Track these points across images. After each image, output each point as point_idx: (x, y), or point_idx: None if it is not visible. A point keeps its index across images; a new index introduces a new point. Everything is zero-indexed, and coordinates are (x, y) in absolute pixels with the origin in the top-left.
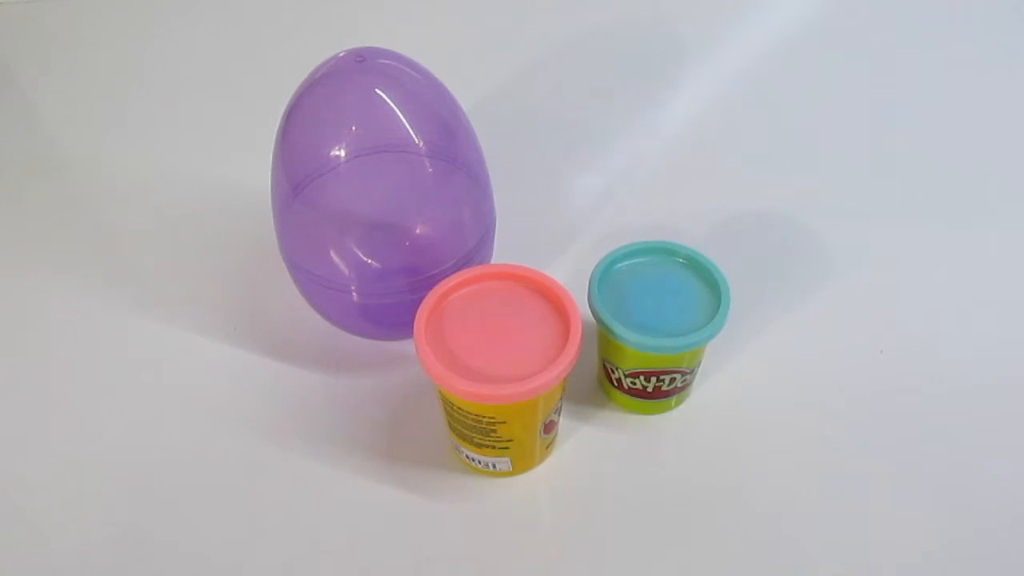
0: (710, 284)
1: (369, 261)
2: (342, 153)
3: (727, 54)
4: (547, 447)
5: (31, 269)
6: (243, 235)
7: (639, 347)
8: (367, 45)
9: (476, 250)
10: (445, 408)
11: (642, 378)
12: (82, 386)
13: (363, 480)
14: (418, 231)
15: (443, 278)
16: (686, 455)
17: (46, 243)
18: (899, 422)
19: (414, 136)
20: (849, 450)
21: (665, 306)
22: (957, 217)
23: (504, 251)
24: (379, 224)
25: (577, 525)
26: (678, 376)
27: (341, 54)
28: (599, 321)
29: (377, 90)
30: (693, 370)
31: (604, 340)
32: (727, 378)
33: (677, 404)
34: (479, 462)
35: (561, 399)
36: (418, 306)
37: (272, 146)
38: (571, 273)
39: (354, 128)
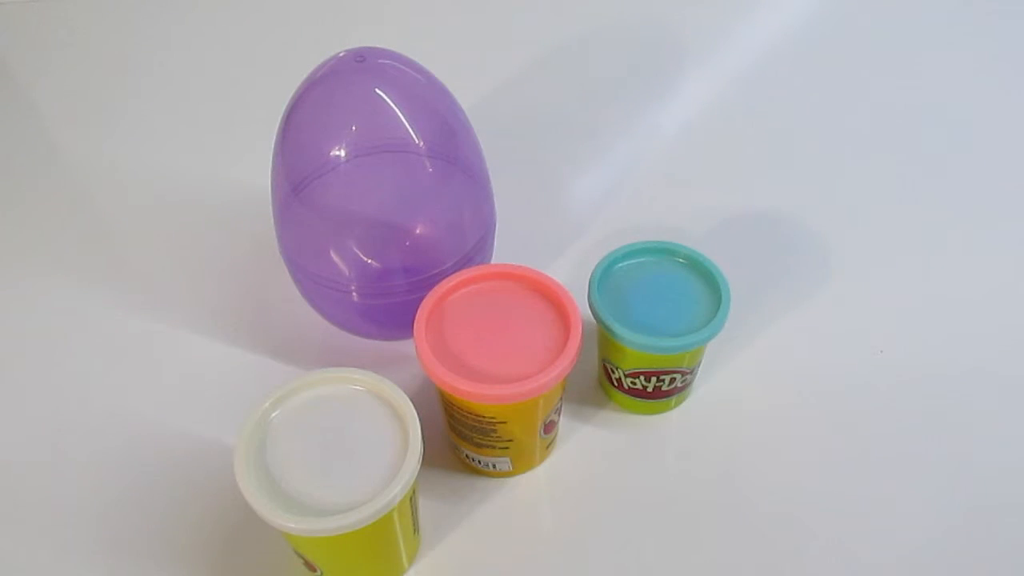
0: (710, 284)
1: (369, 261)
2: (342, 153)
3: (727, 54)
4: (547, 447)
5: (30, 268)
6: (243, 235)
7: (639, 347)
8: (367, 45)
9: (476, 250)
10: (445, 408)
11: (642, 378)
12: (82, 386)
13: None
14: (418, 231)
15: (443, 278)
16: (686, 455)
17: (45, 243)
18: (899, 422)
19: (414, 136)
20: (849, 450)
21: (665, 306)
22: (958, 217)
23: (504, 251)
24: (379, 224)
25: (577, 525)
26: (678, 376)
27: (341, 54)
28: (599, 321)
29: (377, 90)
30: (693, 370)
31: (604, 340)
32: (727, 378)
33: (677, 404)
34: (479, 462)
35: (561, 399)
36: (418, 306)
37: (272, 146)
38: (571, 273)
39: (354, 128)
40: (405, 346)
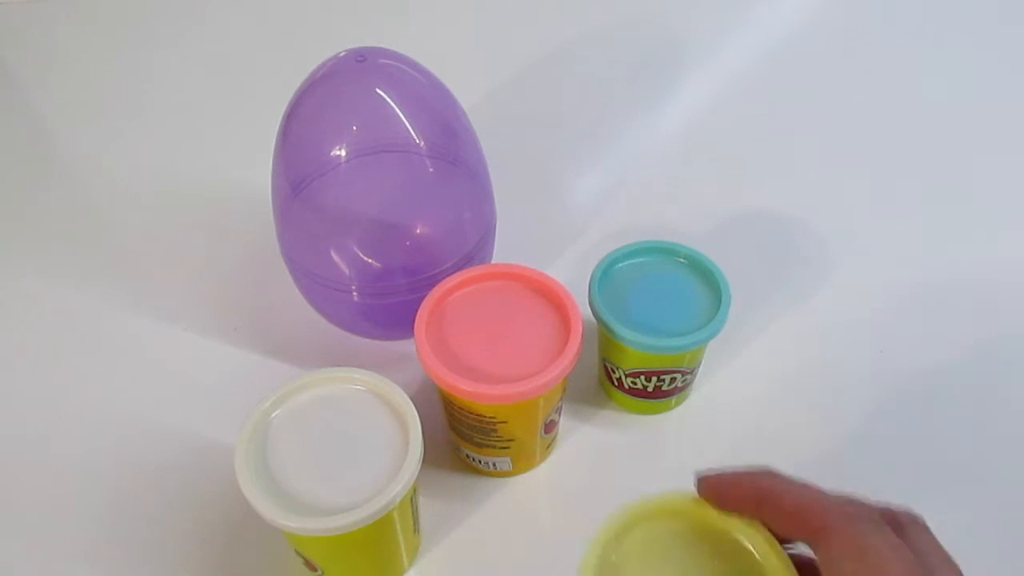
0: (710, 284)
1: (369, 261)
2: (343, 153)
3: (727, 54)
4: (548, 447)
5: (30, 268)
6: (243, 235)
7: (639, 347)
8: (368, 45)
9: (477, 250)
10: (446, 408)
11: (642, 378)
12: (82, 385)
13: None
14: (418, 231)
15: (443, 278)
16: (686, 455)
17: (46, 242)
18: (899, 421)
19: (415, 136)
20: (849, 449)
21: (665, 306)
22: (958, 217)
23: (505, 251)
24: (380, 224)
25: (577, 525)
26: (678, 376)
27: (342, 54)
28: (599, 321)
29: (378, 90)
30: (693, 370)
31: (605, 340)
32: (727, 378)
33: (677, 404)
34: (480, 461)
35: (562, 399)
36: (418, 306)
37: (273, 146)
38: (571, 273)
39: (355, 128)
40: (405, 346)
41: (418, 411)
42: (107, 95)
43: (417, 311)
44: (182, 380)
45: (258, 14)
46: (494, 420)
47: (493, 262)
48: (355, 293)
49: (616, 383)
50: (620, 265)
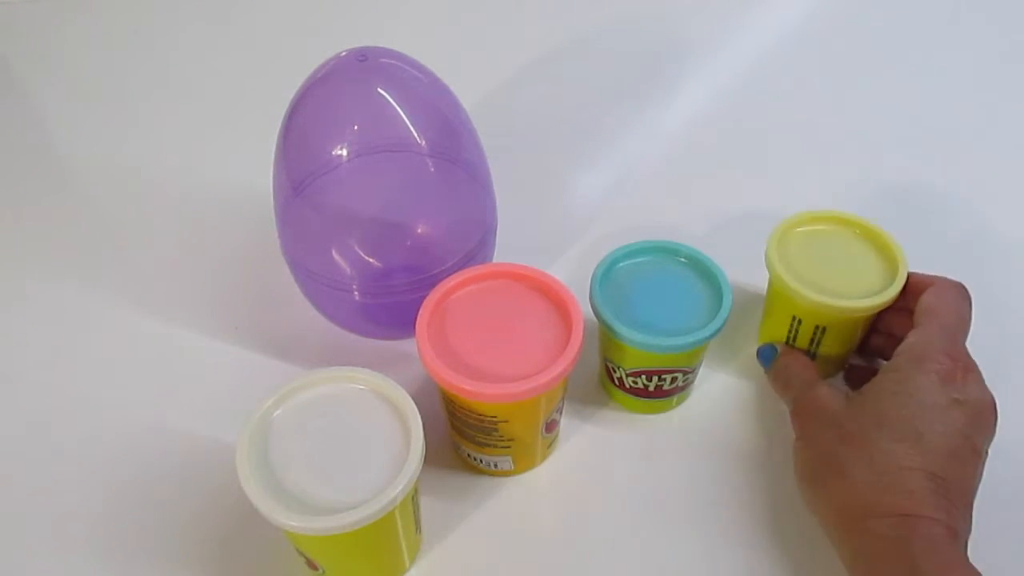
0: (711, 283)
1: (370, 260)
2: (344, 152)
3: (728, 54)
4: (549, 446)
5: (30, 268)
6: (244, 235)
7: (641, 346)
8: (369, 44)
9: (477, 249)
10: (447, 407)
11: (643, 377)
12: (82, 385)
13: None
14: (419, 230)
15: (444, 277)
16: (687, 454)
17: (46, 242)
18: None
19: (416, 135)
20: None
21: (666, 305)
22: (958, 217)
23: (505, 250)
24: (380, 223)
25: (578, 524)
26: (679, 375)
27: (343, 53)
28: (601, 320)
29: (379, 89)
30: (694, 369)
31: (606, 339)
32: (728, 377)
33: (678, 403)
34: (481, 461)
35: (563, 398)
36: (420, 305)
37: (274, 145)
38: (573, 272)
39: (356, 127)
40: (406, 345)
41: (419, 411)
42: (108, 95)
43: (418, 310)
44: (183, 379)
45: (260, 14)
46: (495, 419)
47: (494, 261)
48: (356, 292)
49: (617, 382)
50: (621, 264)
